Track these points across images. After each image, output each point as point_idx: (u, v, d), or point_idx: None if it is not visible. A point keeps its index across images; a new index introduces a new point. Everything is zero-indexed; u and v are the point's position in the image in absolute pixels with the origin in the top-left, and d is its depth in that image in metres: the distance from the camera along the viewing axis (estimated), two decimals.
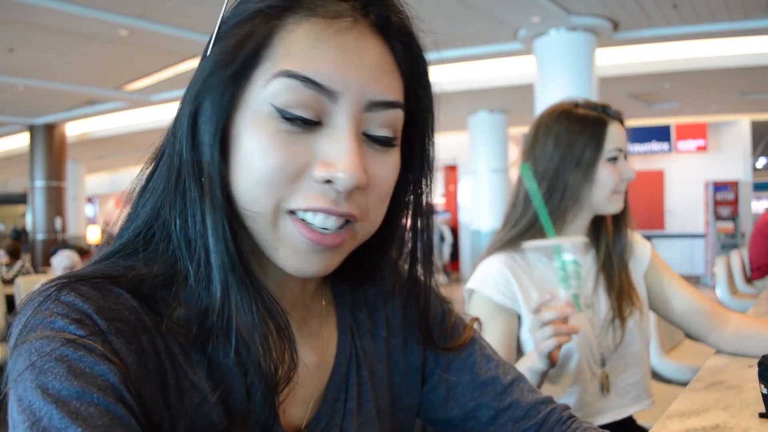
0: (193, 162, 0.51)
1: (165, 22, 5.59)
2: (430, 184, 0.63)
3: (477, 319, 0.77)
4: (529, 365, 1.13)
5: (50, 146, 10.44)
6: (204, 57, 0.53)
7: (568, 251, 1.13)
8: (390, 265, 0.69)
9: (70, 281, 0.48)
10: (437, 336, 0.71)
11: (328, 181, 0.50)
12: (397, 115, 0.54)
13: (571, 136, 1.32)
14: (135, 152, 13.24)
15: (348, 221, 0.53)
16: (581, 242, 1.18)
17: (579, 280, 1.13)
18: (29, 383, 0.42)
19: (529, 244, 1.21)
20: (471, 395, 0.71)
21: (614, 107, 1.38)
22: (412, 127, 0.59)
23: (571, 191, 1.33)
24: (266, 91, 0.50)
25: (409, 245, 0.65)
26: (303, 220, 0.51)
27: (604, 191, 1.32)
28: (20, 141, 11.44)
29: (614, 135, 1.33)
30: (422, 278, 0.67)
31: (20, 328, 0.46)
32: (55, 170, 10.57)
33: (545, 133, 1.37)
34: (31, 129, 10.41)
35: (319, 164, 0.50)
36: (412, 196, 0.63)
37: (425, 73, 0.58)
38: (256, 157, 0.49)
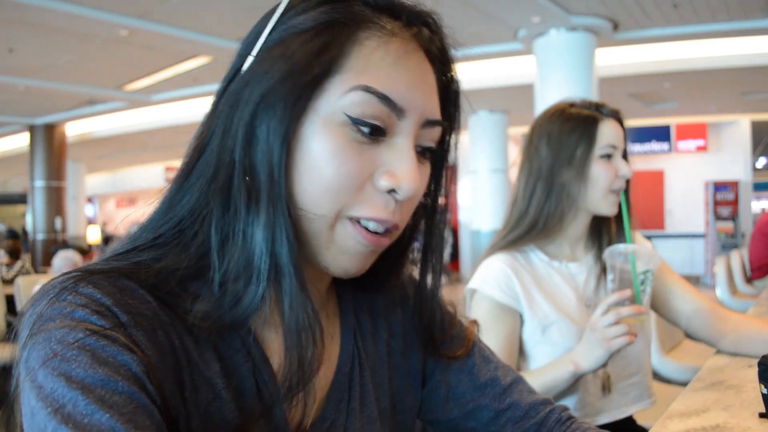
0: (246, 162, 0.51)
1: (165, 22, 5.59)
2: (448, 195, 0.66)
3: (476, 322, 0.78)
4: (570, 369, 1.16)
5: (50, 146, 10.44)
6: (252, 56, 0.54)
7: (642, 260, 1.17)
8: (400, 273, 0.70)
9: (86, 274, 0.48)
10: (439, 343, 0.72)
11: (391, 191, 0.53)
12: (439, 132, 0.59)
13: (563, 135, 1.33)
14: (135, 152, 13.26)
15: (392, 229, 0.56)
16: (653, 253, 1.20)
17: (651, 287, 1.17)
18: (51, 371, 0.42)
19: (608, 251, 1.22)
20: (471, 396, 0.72)
21: (613, 106, 1.38)
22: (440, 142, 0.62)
23: (567, 191, 1.33)
24: (342, 102, 0.52)
25: (419, 253, 0.67)
26: (359, 223, 0.54)
27: (597, 189, 1.32)
28: (20, 141, 11.44)
29: (607, 132, 1.32)
30: (429, 287, 0.68)
31: (35, 318, 0.46)
32: (55, 170, 10.57)
33: (539, 133, 1.38)
34: (31, 129, 10.41)
35: (384, 174, 0.53)
36: (429, 203, 0.65)
37: (458, 94, 0.62)
38: (326, 163, 0.51)
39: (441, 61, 0.59)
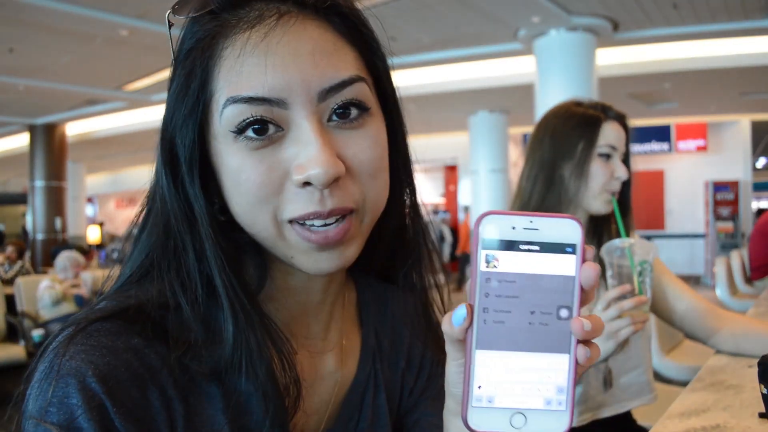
0: (176, 200, 0.52)
1: (165, 22, 5.58)
2: (407, 159, 0.63)
3: None
4: None
5: (50, 146, 10.44)
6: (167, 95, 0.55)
7: (639, 252, 1.19)
8: (408, 245, 0.67)
9: (80, 329, 0.48)
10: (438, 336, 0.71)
11: (308, 183, 0.50)
12: (359, 89, 0.52)
13: (567, 131, 1.37)
14: (135, 152, 13.25)
15: (343, 215, 0.52)
16: (649, 244, 1.22)
17: (650, 278, 1.19)
18: None
19: (605, 247, 1.23)
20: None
21: (617, 109, 1.40)
22: (380, 94, 0.57)
23: (565, 185, 1.36)
24: (223, 120, 0.50)
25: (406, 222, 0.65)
26: (303, 224, 0.51)
27: (593, 187, 1.35)
28: (20, 141, 11.44)
29: (608, 133, 1.36)
30: (422, 262, 0.67)
31: (28, 397, 0.46)
32: (55, 170, 10.56)
33: (545, 128, 1.42)
34: (31, 129, 10.41)
35: (295, 169, 0.50)
36: (400, 155, 0.61)
37: (373, 38, 0.56)
38: (238, 180, 0.51)
39: (340, 15, 0.53)
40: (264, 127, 0.50)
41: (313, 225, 0.51)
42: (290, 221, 0.51)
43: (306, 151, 0.49)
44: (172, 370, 0.49)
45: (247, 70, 0.49)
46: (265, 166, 0.50)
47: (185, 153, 0.51)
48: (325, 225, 0.51)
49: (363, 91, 0.53)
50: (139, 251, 0.55)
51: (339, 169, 0.50)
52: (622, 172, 1.34)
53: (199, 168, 0.52)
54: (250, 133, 0.50)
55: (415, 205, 0.65)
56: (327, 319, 0.63)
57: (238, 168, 0.50)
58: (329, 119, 0.51)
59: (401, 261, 0.67)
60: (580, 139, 1.35)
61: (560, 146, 1.37)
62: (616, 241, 1.21)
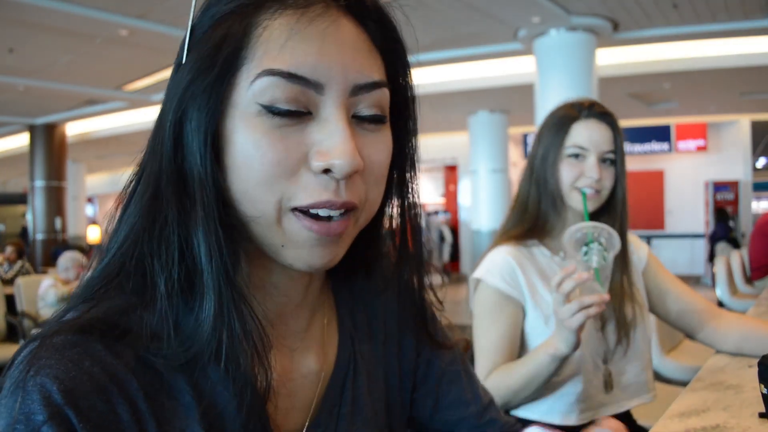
0: (177, 175, 0.50)
1: (165, 22, 5.59)
2: (416, 165, 0.62)
3: (465, 339, 0.79)
4: (550, 352, 1.16)
5: (50, 146, 10.44)
6: (178, 66, 0.52)
7: (598, 233, 1.18)
8: (382, 252, 0.67)
9: (45, 343, 0.47)
10: (432, 330, 0.72)
11: (326, 171, 0.49)
12: (383, 95, 0.54)
13: (544, 132, 1.40)
14: (135, 152, 13.20)
15: (348, 210, 0.52)
16: (609, 230, 1.20)
17: (600, 257, 1.16)
18: None
19: (568, 231, 1.21)
20: (456, 410, 0.74)
21: (606, 108, 1.40)
22: (394, 106, 0.58)
23: (550, 186, 1.38)
24: (252, 92, 0.49)
25: (398, 228, 0.64)
26: (307, 213, 0.50)
27: (563, 185, 1.36)
28: (20, 141, 11.44)
29: (578, 132, 1.35)
30: (413, 268, 0.66)
31: (0, 413, 0.45)
32: (55, 170, 10.56)
33: (538, 131, 1.45)
34: (31, 129, 10.41)
35: (315, 154, 0.49)
36: (396, 175, 0.61)
37: (402, 49, 0.57)
38: (252, 156, 0.49)
39: (377, 21, 0.54)
40: (296, 106, 0.49)
41: (318, 214, 0.50)
42: (294, 209, 0.50)
43: (332, 139, 0.49)
44: (140, 380, 0.48)
45: (291, 45, 0.49)
46: (284, 145, 0.49)
47: (204, 122, 0.49)
48: (329, 217, 0.51)
49: (385, 98, 0.54)
50: (128, 224, 0.52)
51: (360, 163, 0.50)
52: (592, 172, 1.32)
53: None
54: (279, 107, 0.49)
55: (416, 219, 0.64)
56: (308, 317, 0.63)
57: (256, 143, 0.49)
58: (353, 115, 0.52)
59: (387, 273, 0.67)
60: (554, 139, 1.37)
61: (540, 147, 1.40)
62: (574, 226, 1.20)
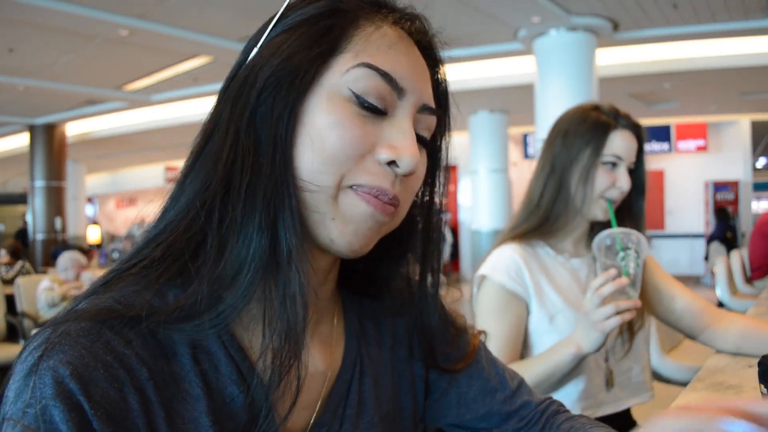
0: (251, 139, 0.53)
1: (165, 22, 5.59)
2: (441, 194, 0.67)
3: (483, 332, 0.80)
4: (572, 351, 1.17)
5: (50, 146, 10.43)
6: (263, 41, 0.56)
7: (625, 240, 1.20)
8: (402, 278, 0.70)
9: (59, 330, 0.47)
10: (439, 356, 0.73)
11: (391, 163, 0.55)
12: (434, 122, 0.61)
13: (577, 135, 1.38)
14: (135, 152, 13.25)
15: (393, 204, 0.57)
16: (639, 235, 1.23)
17: (635, 263, 1.19)
18: None
19: (595, 240, 1.24)
20: (482, 401, 0.74)
21: (633, 119, 1.40)
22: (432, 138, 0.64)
23: (572, 191, 1.37)
24: (346, 78, 0.54)
25: (419, 254, 0.67)
26: (364, 189, 0.54)
27: (592, 193, 1.36)
28: (20, 141, 11.44)
29: (616, 142, 1.36)
30: (430, 293, 0.68)
31: (6, 400, 0.45)
32: (55, 170, 10.56)
33: (558, 130, 1.43)
34: (31, 129, 10.41)
35: (385, 147, 0.55)
36: (426, 200, 0.66)
37: (447, 95, 0.65)
38: (329, 133, 0.53)
39: (431, 59, 0.63)
40: (381, 103, 0.55)
41: (377, 196, 0.55)
42: (352, 186, 0.54)
43: (403, 137, 0.55)
44: (150, 369, 0.48)
45: (392, 51, 0.56)
46: (361, 131, 0.54)
47: (296, 91, 0.53)
48: (383, 195, 0.55)
49: (433, 127, 0.61)
50: (192, 189, 0.53)
51: (419, 165, 0.57)
52: (624, 183, 1.34)
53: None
54: (369, 98, 0.54)
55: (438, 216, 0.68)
56: (317, 317, 0.64)
57: (336, 122, 0.53)
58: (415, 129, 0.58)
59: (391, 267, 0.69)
60: (588, 145, 1.36)
61: (569, 150, 1.38)
62: (604, 232, 1.22)
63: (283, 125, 0.53)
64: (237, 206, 0.51)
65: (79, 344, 0.46)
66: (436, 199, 0.67)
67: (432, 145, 0.64)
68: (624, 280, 1.14)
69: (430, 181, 0.66)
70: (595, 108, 1.41)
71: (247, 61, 0.56)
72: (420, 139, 0.59)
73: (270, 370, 0.51)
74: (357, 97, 0.54)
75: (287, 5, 0.58)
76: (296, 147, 0.53)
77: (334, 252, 0.56)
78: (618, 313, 1.12)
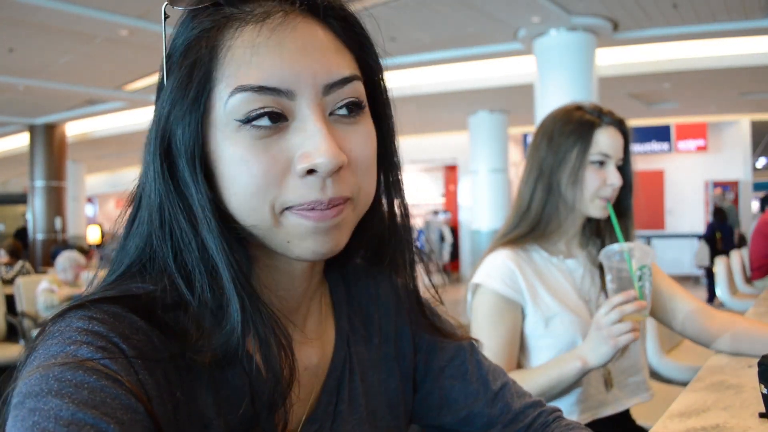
0: (174, 196, 0.52)
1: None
2: (396, 152, 0.64)
3: (476, 340, 0.79)
4: (578, 365, 1.18)
5: (50, 146, 10.43)
6: (159, 92, 0.55)
7: (637, 256, 1.19)
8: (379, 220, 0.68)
9: (84, 305, 0.49)
10: (428, 314, 0.73)
11: (311, 171, 0.51)
12: (356, 87, 0.55)
13: (562, 136, 1.37)
14: (135, 152, 13.25)
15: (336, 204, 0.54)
16: (646, 248, 1.22)
17: (650, 283, 1.20)
18: (42, 405, 0.42)
19: (603, 252, 1.23)
20: (464, 403, 0.74)
21: (617, 115, 1.40)
22: (371, 97, 0.60)
23: (563, 192, 1.37)
24: (228, 110, 0.51)
25: (386, 215, 0.66)
26: (297, 208, 0.52)
27: (585, 193, 1.35)
28: (20, 141, 11.44)
29: (603, 140, 1.35)
30: (400, 225, 0.67)
31: (36, 355, 0.46)
32: (55, 170, 10.56)
33: (543, 133, 1.41)
34: (31, 129, 10.41)
35: (300, 158, 0.51)
36: (386, 155, 0.63)
37: (367, 40, 0.59)
38: (240, 171, 0.51)
39: (338, 18, 0.56)
40: (271, 117, 0.51)
41: (312, 208, 0.53)
42: (288, 208, 0.52)
43: (311, 140, 0.51)
44: (173, 356, 0.50)
45: (257, 60, 0.51)
46: (269, 155, 0.51)
47: (188, 145, 0.52)
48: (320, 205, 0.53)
49: (360, 90, 0.56)
50: (135, 244, 0.55)
51: (342, 159, 0.52)
52: (614, 179, 1.34)
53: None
54: (257, 122, 0.51)
55: (403, 201, 0.66)
56: (305, 314, 0.65)
57: (241, 157, 0.51)
58: (331, 113, 0.54)
59: (380, 254, 0.69)
60: (574, 145, 1.35)
61: (556, 152, 1.37)
62: (615, 246, 1.22)
63: (192, 181, 0.52)
64: (183, 263, 0.53)
65: (105, 312, 0.48)
66: (393, 164, 0.64)
67: (371, 98, 0.60)
68: (643, 303, 1.16)
69: (384, 132, 0.62)
70: (578, 108, 1.41)
71: (152, 117, 0.55)
72: (349, 109, 0.54)
73: (264, 363, 0.52)
74: (246, 122, 0.51)
75: (165, 53, 0.55)
76: (221, 192, 0.53)
77: (310, 260, 0.56)
78: (632, 330, 1.14)
